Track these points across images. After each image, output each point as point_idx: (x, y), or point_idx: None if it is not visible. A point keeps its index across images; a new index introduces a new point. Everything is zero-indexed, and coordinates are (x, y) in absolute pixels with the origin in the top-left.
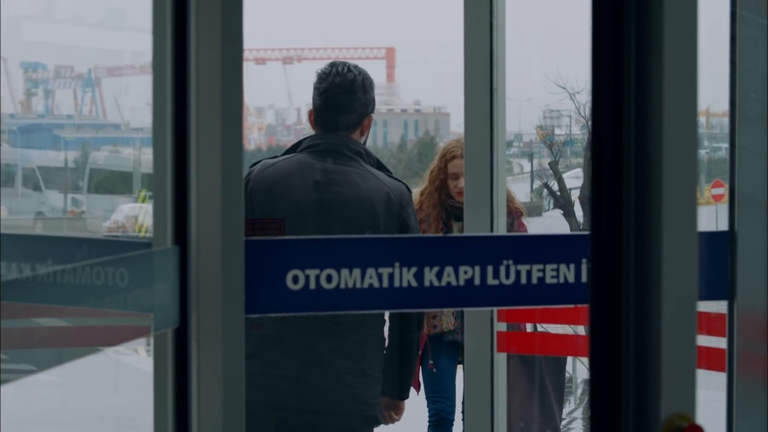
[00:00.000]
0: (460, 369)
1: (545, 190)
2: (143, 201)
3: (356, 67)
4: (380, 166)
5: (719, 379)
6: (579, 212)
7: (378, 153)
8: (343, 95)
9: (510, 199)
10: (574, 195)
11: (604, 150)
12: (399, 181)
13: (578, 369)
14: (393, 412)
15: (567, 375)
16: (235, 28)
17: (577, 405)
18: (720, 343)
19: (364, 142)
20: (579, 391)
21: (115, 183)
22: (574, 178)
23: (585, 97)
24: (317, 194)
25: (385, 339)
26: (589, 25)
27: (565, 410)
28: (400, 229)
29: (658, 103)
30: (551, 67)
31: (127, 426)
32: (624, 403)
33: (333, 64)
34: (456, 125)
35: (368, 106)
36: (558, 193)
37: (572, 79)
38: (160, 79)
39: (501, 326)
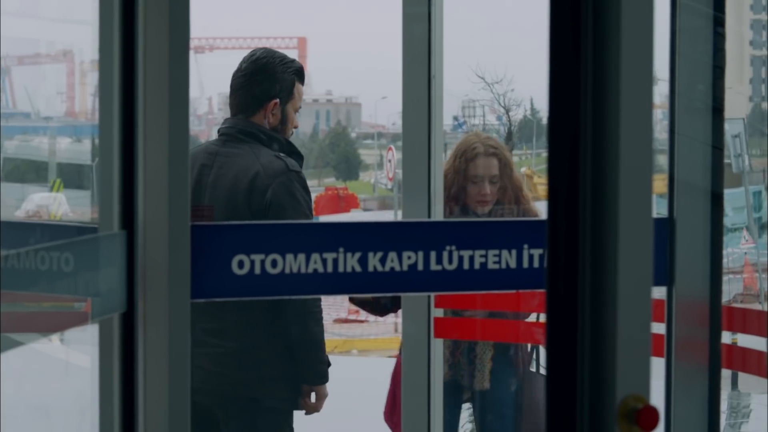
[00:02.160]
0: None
1: None
2: (57, 190)
3: (269, 52)
4: (286, 147)
5: (658, 364)
6: None
7: None
8: (241, 79)
9: (519, 189)
10: None
11: (561, 138)
12: (283, 159)
13: None
14: (309, 399)
15: None
16: (182, 14)
17: None
18: (659, 329)
19: (284, 126)
20: None
21: (25, 172)
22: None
23: (504, 87)
24: (201, 178)
25: (269, 321)
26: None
27: None
28: (268, 208)
29: (614, 92)
30: (471, 57)
31: (40, 416)
32: (580, 385)
33: (252, 51)
34: (368, 116)
35: (270, 90)
36: None
37: (491, 69)
38: (107, 66)
39: (438, 312)
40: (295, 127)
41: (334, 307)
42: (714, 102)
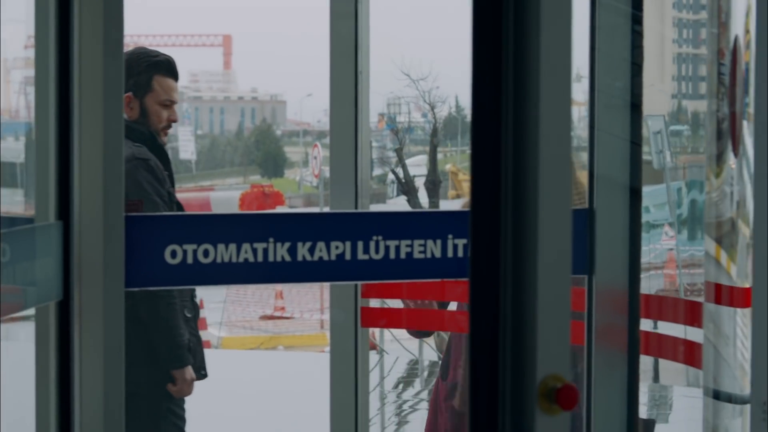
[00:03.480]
0: None
1: (390, 176)
2: None
3: (135, 48)
4: (145, 139)
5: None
6: (424, 198)
7: (215, 140)
8: None
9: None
10: (418, 182)
11: (483, 133)
12: (131, 149)
13: (425, 351)
14: (173, 384)
15: (414, 357)
16: (116, 11)
17: (423, 387)
18: (580, 317)
19: (147, 119)
20: (425, 374)
21: None
22: (417, 166)
23: (429, 84)
24: None
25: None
26: (470, 13)
27: (411, 392)
28: None
29: (534, 89)
30: (397, 53)
31: None
32: (502, 367)
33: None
34: (293, 113)
35: (125, 84)
36: (403, 180)
37: (416, 65)
38: (43, 59)
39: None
40: (173, 121)
41: (260, 303)
42: (632, 98)
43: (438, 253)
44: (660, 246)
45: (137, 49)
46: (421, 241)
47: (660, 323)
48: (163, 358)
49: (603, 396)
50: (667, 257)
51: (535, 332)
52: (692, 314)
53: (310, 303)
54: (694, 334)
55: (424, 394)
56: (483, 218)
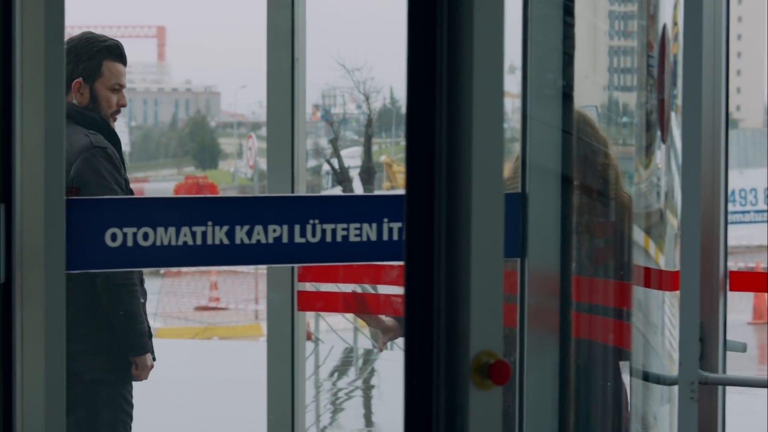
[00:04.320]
0: None
1: (325, 167)
2: None
3: (82, 34)
4: (99, 125)
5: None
6: (359, 188)
7: (149, 132)
8: None
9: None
10: (353, 172)
11: (417, 119)
12: (89, 136)
13: (359, 340)
14: (132, 368)
15: (348, 346)
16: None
17: (358, 375)
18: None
19: (97, 104)
20: (360, 362)
21: None
22: (352, 157)
23: (364, 75)
24: None
25: (85, 296)
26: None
27: (346, 380)
28: (71, 184)
29: (468, 78)
30: (333, 44)
31: None
32: (436, 344)
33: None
34: (227, 104)
35: (74, 70)
36: (338, 170)
37: (352, 55)
38: None
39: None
40: (122, 106)
41: (195, 294)
42: (564, 88)
43: (374, 237)
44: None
45: (85, 34)
46: (357, 225)
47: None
48: (126, 345)
49: (535, 377)
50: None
51: (469, 310)
52: (621, 296)
53: (244, 293)
54: (623, 315)
55: (359, 383)
56: (417, 201)
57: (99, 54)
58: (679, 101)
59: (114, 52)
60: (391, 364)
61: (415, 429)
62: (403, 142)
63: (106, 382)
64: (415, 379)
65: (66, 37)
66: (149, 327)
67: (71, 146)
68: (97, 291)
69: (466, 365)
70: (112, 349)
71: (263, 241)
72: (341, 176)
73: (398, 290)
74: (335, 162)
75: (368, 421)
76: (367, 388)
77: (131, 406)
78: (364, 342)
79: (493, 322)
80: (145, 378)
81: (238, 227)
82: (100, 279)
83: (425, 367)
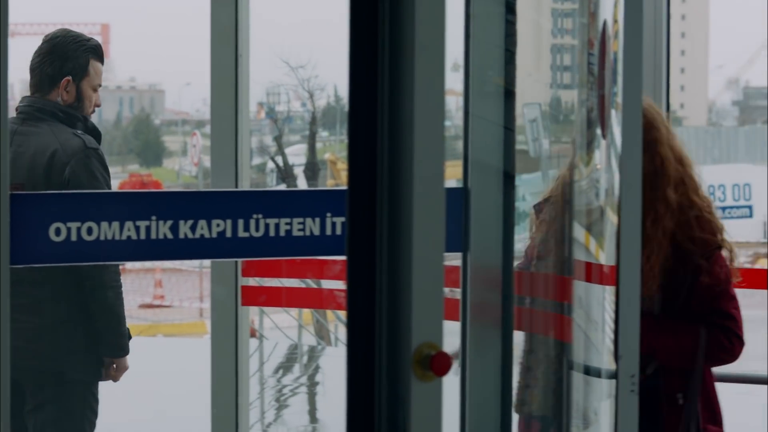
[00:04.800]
0: None
1: (269, 165)
2: None
3: (65, 31)
4: (85, 125)
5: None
6: (303, 186)
7: None
8: (37, 59)
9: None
10: (297, 170)
11: (359, 115)
12: (81, 137)
13: (304, 337)
14: (110, 370)
15: (293, 343)
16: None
17: (302, 372)
18: (455, 294)
19: (81, 103)
20: (305, 359)
21: None
22: (296, 155)
23: (308, 72)
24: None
25: (74, 296)
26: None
27: (291, 377)
28: (67, 185)
29: (409, 76)
30: (277, 41)
31: None
32: (378, 337)
33: (52, 32)
34: (171, 102)
35: (62, 68)
36: (282, 168)
37: (296, 53)
38: None
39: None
40: (97, 106)
41: (139, 292)
42: (506, 85)
43: (317, 231)
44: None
45: (68, 32)
46: (300, 219)
47: None
48: (110, 346)
49: (478, 370)
50: None
51: (410, 304)
52: (563, 290)
53: (189, 291)
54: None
55: (304, 379)
56: (359, 196)
57: (87, 53)
58: (619, 99)
59: (98, 52)
60: (335, 361)
61: (358, 420)
62: (347, 140)
63: (83, 381)
64: (357, 372)
65: (43, 35)
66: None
67: (63, 146)
68: (80, 290)
69: (408, 357)
70: (90, 349)
71: (207, 235)
72: (285, 174)
73: (341, 285)
74: (279, 159)
75: (313, 418)
76: (312, 385)
77: (98, 403)
78: (309, 339)
79: (434, 314)
80: (118, 380)
81: (181, 222)
82: (88, 281)
83: (367, 359)
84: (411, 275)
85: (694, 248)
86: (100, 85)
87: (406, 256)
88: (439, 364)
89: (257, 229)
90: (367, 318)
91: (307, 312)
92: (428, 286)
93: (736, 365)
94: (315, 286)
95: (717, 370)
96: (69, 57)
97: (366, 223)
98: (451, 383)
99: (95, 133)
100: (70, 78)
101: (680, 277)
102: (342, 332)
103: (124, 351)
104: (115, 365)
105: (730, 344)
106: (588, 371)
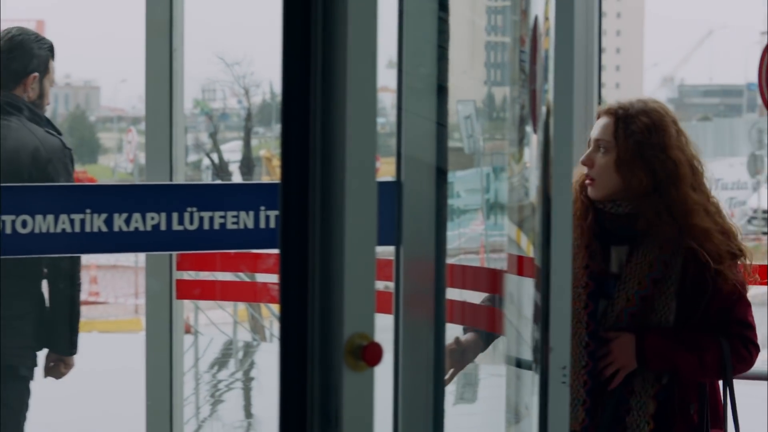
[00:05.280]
0: None
1: (205, 162)
2: None
3: (22, 29)
4: (49, 123)
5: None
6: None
7: None
8: None
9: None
10: (233, 167)
11: (292, 111)
12: (57, 137)
13: (239, 333)
14: (60, 367)
15: (228, 338)
16: None
17: (237, 368)
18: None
19: (41, 101)
20: (240, 354)
21: None
22: (232, 152)
23: (244, 69)
24: None
25: (35, 291)
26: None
27: (227, 372)
28: (48, 180)
29: (342, 73)
30: (211, 36)
31: None
32: (311, 327)
33: (6, 30)
34: (107, 99)
35: (28, 65)
36: (218, 164)
37: (231, 49)
38: None
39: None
40: (47, 104)
41: None
42: (439, 81)
43: (251, 224)
44: (469, 230)
45: (25, 30)
46: (235, 213)
47: None
48: (65, 343)
49: (410, 361)
50: (480, 242)
51: (342, 295)
52: (494, 283)
53: (124, 288)
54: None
55: (239, 375)
56: (293, 190)
57: (48, 51)
58: (550, 96)
59: (53, 50)
60: (270, 357)
61: (290, 410)
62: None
63: (30, 377)
64: (290, 363)
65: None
66: None
67: (42, 143)
68: (38, 286)
69: (340, 347)
70: (41, 345)
71: (141, 228)
72: (220, 170)
73: (275, 278)
74: (215, 156)
75: (248, 413)
76: (247, 381)
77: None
78: (244, 335)
79: (366, 305)
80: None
81: (116, 215)
82: (59, 280)
83: (300, 350)
84: (343, 267)
85: (713, 254)
86: (53, 83)
87: (338, 248)
88: (371, 354)
89: (191, 223)
90: (300, 310)
91: (242, 308)
92: (360, 278)
93: None
94: (248, 279)
95: None
96: (34, 54)
97: (299, 216)
98: (384, 374)
99: (58, 132)
100: (36, 74)
101: (700, 285)
102: (277, 328)
103: (76, 349)
104: (63, 363)
105: (749, 354)
106: (519, 364)
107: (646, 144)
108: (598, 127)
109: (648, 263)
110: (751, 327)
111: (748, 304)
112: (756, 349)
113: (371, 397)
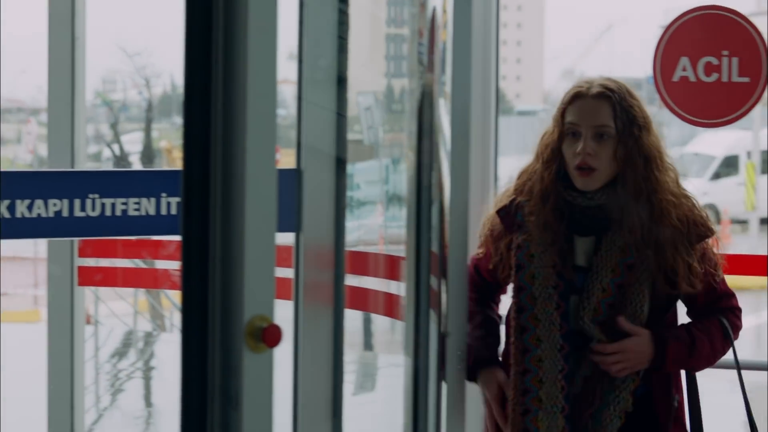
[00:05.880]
0: None
1: (106, 153)
2: None
3: None
4: None
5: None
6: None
7: None
8: None
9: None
10: (134, 158)
11: (194, 99)
12: None
13: (139, 323)
14: None
15: (128, 328)
16: None
17: (138, 357)
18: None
19: None
20: (141, 344)
21: None
22: (133, 143)
23: (144, 60)
24: None
25: None
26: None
27: (127, 362)
28: None
29: (243, 66)
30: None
31: None
32: (212, 310)
33: None
34: (6, 90)
35: None
36: (119, 155)
37: (132, 40)
38: None
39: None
40: None
41: None
42: (339, 72)
43: (152, 211)
44: (369, 222)
45: None
46: (136, 200)
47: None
48: None
49: (309, 345)
50: (379, 234)
51: (243, 278)
52: (392, 269)
53: (23, 279)
54: (396, 287)
55: (140, 364)
56: (194, 176)
57: None
58: (447, 88)
59: None
60: (170, 346)
61: (192, 390)
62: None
63: None
64: (192, 345)
65: None
66: None
67: None
68: None
69: (240, 329)
70: None
71: (44, 215)
72: (121, 161)
73: (176, 265)
74: (116, 147)
75: (148, 402)
76: (147, 370)
77: None
78: (144, 325)
79: (266, 289)
80: None
81: (18, 201)
82: None
83: (201, 333)
84: (243, 251)
85: (695, 236)
86: None
87: (238, 233)
88: (270, 335)
89: (93, 209)
90: (201, 293)
91: (142, 299)
92: (260, 262)
93: None
94: (148, 267)
95: None
96: None
97: (200, 202)
98: (284, 357)
99: None
100: None
101: (672, 276)
102: (177, 319)
103: None
104: None
105: (740, 321)
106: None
107: (644, 128)
108: (594, 111)
109: (619, 249)
110: (734, 295)
111: (723, 279)
112: (740, 311)
113: (271, 377)
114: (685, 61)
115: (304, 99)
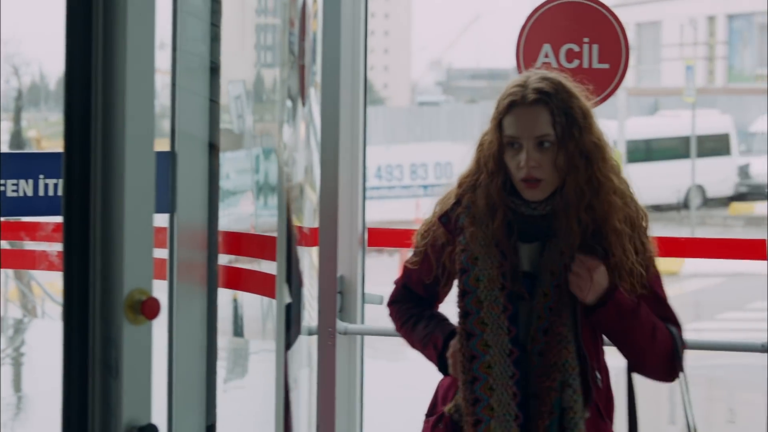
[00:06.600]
0: None
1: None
2: None
3: None
4: None
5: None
6: None
7: None
8: None
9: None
10: (2, 147)
11: (74, 84)
12: None
13: (10, 310)
14: None
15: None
16: None
17: (8, 345)
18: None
19: None
20: (11, 332)
21: None
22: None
23: (12, 49)
24: None
25: None
26: None
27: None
28: None
29: (122, 54)
30: None
31: None
32: (92, 285)
33: None
34: None
35: None
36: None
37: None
38: None
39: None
40: None
41: None
42: (212, 59)
43: (30, 192)
44: (239, 211)
45: None
46: (14, 181)
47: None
48: None
49: (184, 326)
50: (250, 223)
51: (122, 254)
52: (265, 249)
53: None
54: (268, 267)
55: (10, 351)
56: (75, 158)
57: None
58: (318, 78)
59: None
60: (41, 333)
61: (73, 361)
62: (52, 118)
63: None
64: (72, 318)
65: None
66: None
67: None
68: None
69: (120, 302)
70: None
71: None
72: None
73: (53, 247)
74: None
75: (17, 388)
76: (18, 357)
77: None
78: (15, 312)
79: (144, 263)
80: None
81: None
82: None
83: (82, 306)
84: (123, 228)
85: (635, 229)
86: None
87: (118, 211)
88: (149, 308)
89: None
90: (83, 269)
91: (13, 287)
92: (139, 237)
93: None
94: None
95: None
96: None
97: (81, 181)
98: (160, 335)
99: None
100: None
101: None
102: (48, 306)
103: None
104: None
105: (684, 346)
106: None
107: (584, 128)
108: (532, 121)
109: (559, 251)
110: (671, 306)
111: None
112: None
113: (149, 348)
114: (547, 48)
115: (178, 85)
